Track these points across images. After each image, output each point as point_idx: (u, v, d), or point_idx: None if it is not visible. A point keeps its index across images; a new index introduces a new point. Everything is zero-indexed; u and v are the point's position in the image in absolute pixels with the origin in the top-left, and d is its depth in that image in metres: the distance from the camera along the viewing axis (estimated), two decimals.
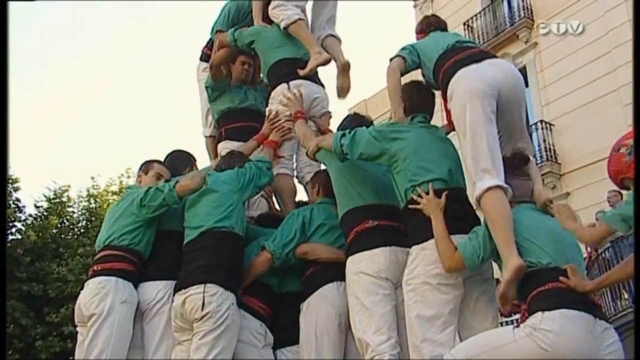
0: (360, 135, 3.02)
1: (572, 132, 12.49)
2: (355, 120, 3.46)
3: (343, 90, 4.12)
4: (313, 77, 3.95)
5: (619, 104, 11.35)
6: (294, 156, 3.99)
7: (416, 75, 3.32)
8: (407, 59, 3.15)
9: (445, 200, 2.77)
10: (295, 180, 4.02)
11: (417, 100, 3.16)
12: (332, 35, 4.22)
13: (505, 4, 14.79)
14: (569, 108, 12.31)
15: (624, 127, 9.09)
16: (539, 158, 12.31)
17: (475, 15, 15.07)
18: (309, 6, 4.29)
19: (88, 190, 16.72)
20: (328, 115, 3.99)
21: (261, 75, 4.32)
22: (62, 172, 42.14)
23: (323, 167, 3.80)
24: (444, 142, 3.10)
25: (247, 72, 4.40)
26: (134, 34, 46.75)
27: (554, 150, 12.82)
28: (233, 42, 4.10)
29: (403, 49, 3.21)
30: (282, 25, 3.94)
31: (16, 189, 14.87)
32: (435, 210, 2.75)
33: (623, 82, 11.40)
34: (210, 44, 4.56)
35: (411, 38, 3.79)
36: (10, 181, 14.32)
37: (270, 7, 4.08)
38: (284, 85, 3.85)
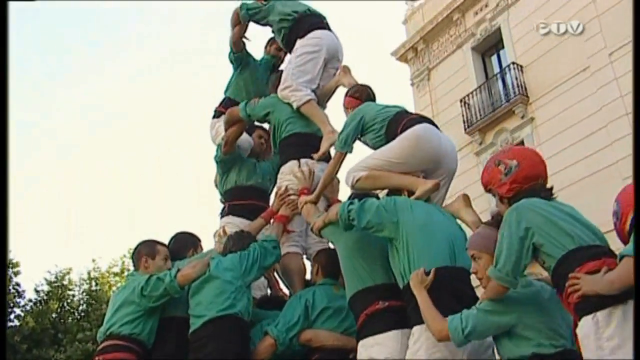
0: (370, 204, 2.98)
1: (573, 205, 12.44)
2: (361, 196, 3.36)
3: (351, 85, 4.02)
4: (325, 157, 3.93)
5: (617, 177, 11.40)
6: (305, 232, 3.91)
7: None
8: None
9: (433, 278, 2.69)
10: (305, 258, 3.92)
11: None
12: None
13: (500, 81, 15.20)
14: (569, 182, 12.37)
15: None
16: None
17: (471, 92, 15.45)
18: None
19: (89, 273, 16.62)
20: (337, 186, 3.93)
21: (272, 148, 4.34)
22: (64, 254, 41.89)
23: (332, 245, 3.76)
24: (449, 220, 3.08)
25: (262, 146, 4.49)
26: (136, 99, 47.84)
27: None
28: (247, 117, 4.14)
29: None
30: (294, 106, 3.99)
31: (16, 274, 14.77)
32: (418, 286, 2.68)
33: (621, 156, 11.51)
34: (223, 103, 4.69)
35: None
36: (10, 265, 14.23)
37: (279, 89, 4.12)
38: (295, 162, 3.86)
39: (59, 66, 43.71)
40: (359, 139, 3.50)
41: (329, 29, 4.34)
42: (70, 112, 43.09)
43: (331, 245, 3.75)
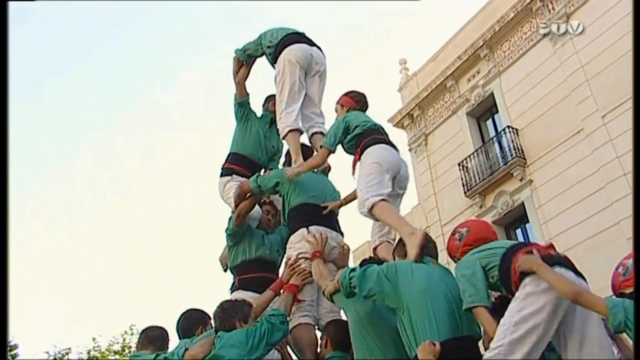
0: (371, 271, 2.94)
1: (578, 267, 12.28)
2: (373, 264, 3.29)
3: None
4: (333, 224, 4.00)
5: (621, 237, 11.32)
6: (316, 301, 3.85)
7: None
8: None
9: (441, 348, 2.62)
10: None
11: (428, 248, 3.20)
12: (320, 133, 4.53)
13: (496, 144, 15.33)
14: (572, 243, 12.27)
15: None
16: None
17: (469, 156, 15.58)
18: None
19: (89, 352, 16.26)
20: (347, 253, 3.95)
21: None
22: (63, 334, 41.09)
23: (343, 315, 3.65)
24: (448, 277, 3.01)
25: (269, 222, 4.51)
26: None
27: None
28: (257, 189, 4.17)
29: None
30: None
31: (14, 357, 14.39)
32: (427, 356, 2.60)
33: (622, 216, 11.44)
34: (229, 159, 4.76)
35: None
36: (8, 349, 13.90)
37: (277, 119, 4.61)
38: (304, 229, 3.86)
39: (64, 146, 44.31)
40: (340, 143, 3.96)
41: (307, 42, 4.69)
42: (67, 185, 43.39)
43: (343, 315, 3.70)
